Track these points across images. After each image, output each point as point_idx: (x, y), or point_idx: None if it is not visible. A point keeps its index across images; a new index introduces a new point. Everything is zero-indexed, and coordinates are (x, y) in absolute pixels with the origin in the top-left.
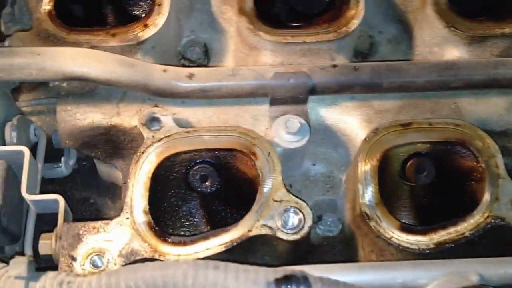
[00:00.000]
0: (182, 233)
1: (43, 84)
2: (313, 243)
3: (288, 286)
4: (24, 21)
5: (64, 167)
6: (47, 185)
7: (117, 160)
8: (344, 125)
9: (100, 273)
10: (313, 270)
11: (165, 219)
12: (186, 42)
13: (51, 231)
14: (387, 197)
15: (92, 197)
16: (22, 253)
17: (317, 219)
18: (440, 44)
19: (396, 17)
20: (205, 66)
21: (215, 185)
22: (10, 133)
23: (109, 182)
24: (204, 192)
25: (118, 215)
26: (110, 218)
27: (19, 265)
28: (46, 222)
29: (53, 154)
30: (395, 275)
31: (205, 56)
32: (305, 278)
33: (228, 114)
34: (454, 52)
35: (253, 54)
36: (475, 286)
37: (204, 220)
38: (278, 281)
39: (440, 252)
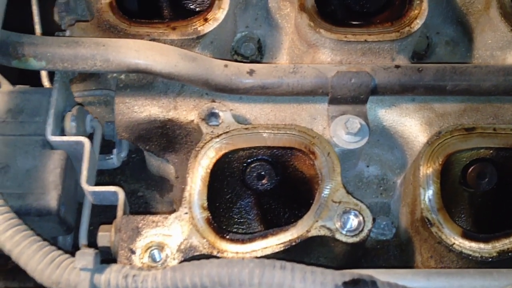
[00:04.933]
0: (235, 230)
1: (94, 75)
2: (367, 246)
3: None
4: (78, 11)
5: (115, 159)
6: (96, 176)
7: (169, 154)
8: (402, 127)
9: (165, 268)
10: (379, 274)
11: (219, 216)
12: (240, 37)
13: (103, 223)
14: (446, 203)
15: (140, 190)
16: (76, 244)
17: None
18: (503, 48)
19: (456, 18)
20: (259, 62)
21: (271, 184)
22: (70, 123)
23: (158, 176)
24: (260, 190)
25: (167, 208)
26: (166, 212)
27: (86, 257)
28: (96, 214)
29: (103, 145)
30: (462, 283)
31: (259, 52)
32: (373, 283)
33: (285, 112)
34: None
35: (310, 52)
36: None
37: (257, 218)
38: (346, 284)
39: (502, 261)
